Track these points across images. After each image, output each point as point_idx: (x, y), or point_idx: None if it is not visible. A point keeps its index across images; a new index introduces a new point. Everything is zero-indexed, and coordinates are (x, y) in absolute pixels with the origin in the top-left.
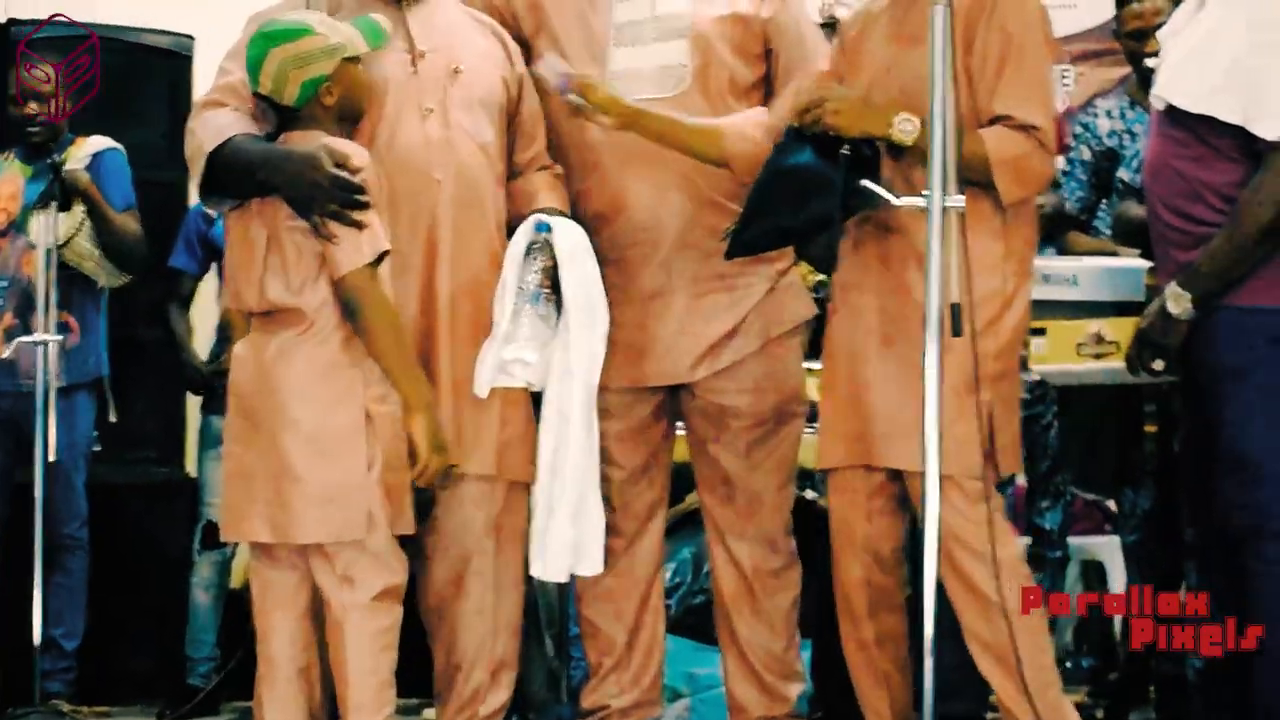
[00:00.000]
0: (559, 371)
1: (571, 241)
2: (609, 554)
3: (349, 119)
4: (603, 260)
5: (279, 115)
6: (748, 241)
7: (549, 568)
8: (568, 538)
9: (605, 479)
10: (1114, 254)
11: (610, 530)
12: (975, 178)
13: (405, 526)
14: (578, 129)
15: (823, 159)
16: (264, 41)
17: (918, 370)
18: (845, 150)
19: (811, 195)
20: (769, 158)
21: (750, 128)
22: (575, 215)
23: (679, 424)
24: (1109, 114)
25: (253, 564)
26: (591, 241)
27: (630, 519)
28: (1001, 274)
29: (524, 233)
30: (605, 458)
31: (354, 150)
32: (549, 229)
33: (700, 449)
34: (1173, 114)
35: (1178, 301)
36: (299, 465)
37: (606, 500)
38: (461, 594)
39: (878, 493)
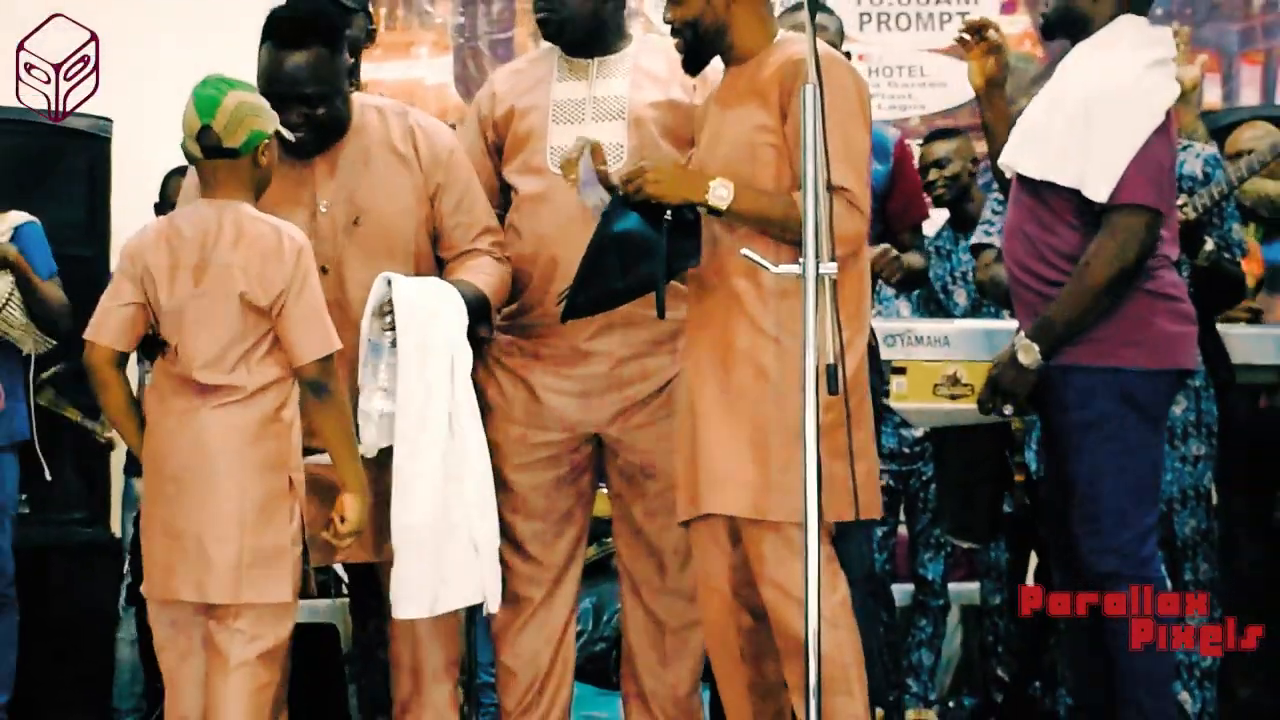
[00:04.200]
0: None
1: (409, 289)
2: (528, 603)
3: (261, 192)
4: (539, 319)
5: (208, 168)
6: (581, 305)
7: (403, 606)
8: (427, 578)
9: (518, 531)
10: None
11: (530, 581)
12: (791, 238)
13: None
14: (526, 202)
15: (647, 224)
16: (221, 84)
17: (742, 417)
18: (667, 216)
19: (638, 260)
20: (599, 224)
21: None
22: (525, 280)
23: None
24: None
25: (155, 619)
26: (534, 303)
27: (550, 569)
28: None
29: (374, 291)
30: (528, 509)
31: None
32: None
33: (620, 505)
34: (1022, 180)
35: (1027, 352)
36: (227, 528)
37: (523, 549)
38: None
39: (732, 541)
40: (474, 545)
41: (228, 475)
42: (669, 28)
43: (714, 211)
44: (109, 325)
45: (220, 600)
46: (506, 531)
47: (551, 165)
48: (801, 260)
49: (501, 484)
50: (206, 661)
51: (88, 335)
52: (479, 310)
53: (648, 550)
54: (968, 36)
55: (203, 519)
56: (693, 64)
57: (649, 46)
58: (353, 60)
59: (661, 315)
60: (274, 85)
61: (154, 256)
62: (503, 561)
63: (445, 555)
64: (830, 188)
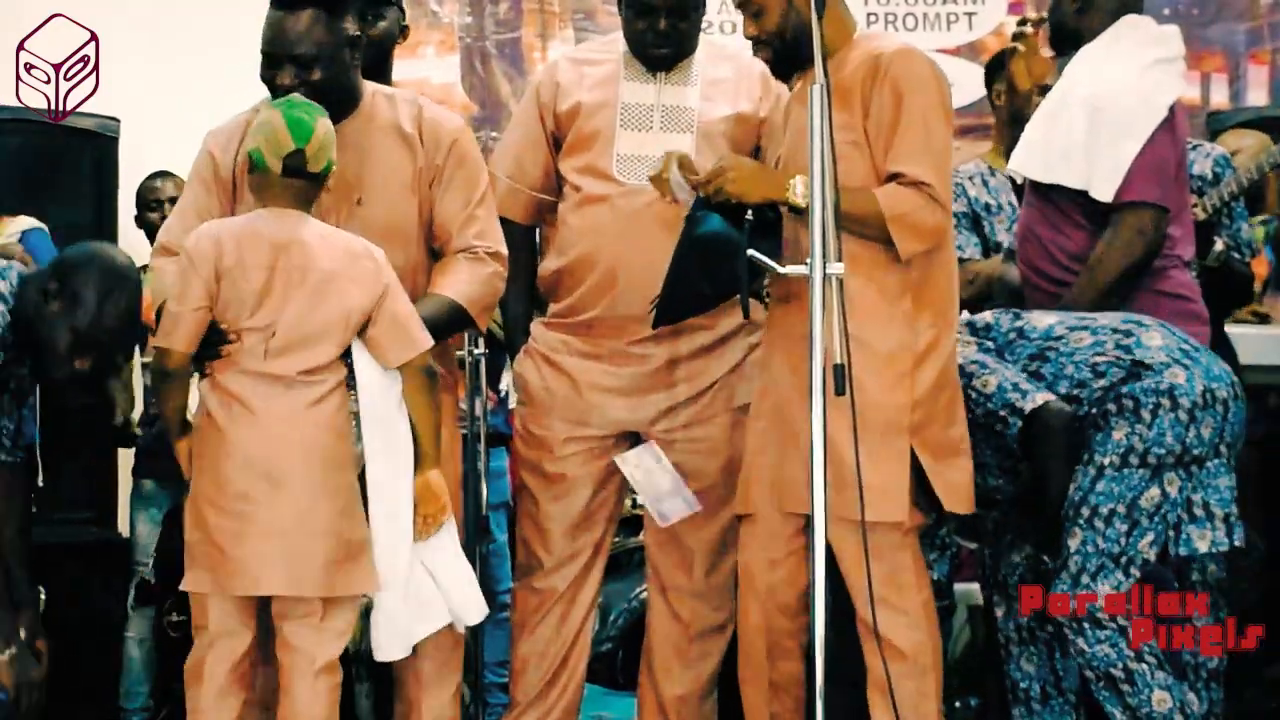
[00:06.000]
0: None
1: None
2: (551, 594)
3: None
4: (592, 321)
5: (278, 183)
6: (670, 312)
7: (385, 650)
8: (401, 622)
9: (551, 523)
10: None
11: (556, 573)
12: (873, 234)
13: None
14: (587, 203)
15: (730, 225)
16: (310, 108)
17: (842, 420)
18: (749, 216)
19: (722, 262)
20: (684, 229)
21: None
22: (580, 279)
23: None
24: (970, 179)
25: (198, 616)
26: (589, 303)
27: (576, 563)
28: (912, 328)
29: None
30: (562, 501)
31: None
32: None
33: None
34: (1032, 184)
35: None
36: (324, 521)
37: (553, 541)
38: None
39: (789, 540)
40: (430, 574)
41: (319, 469)
42: (751, 43)
43: (795, 210)
44: (184, 331)
45: (313, 594)
46: (538, 523)
47: (617, 171)
48: (809, 261)
49: (540, 475)
50: (278, 663)
51: (163, 343)
52: (452, 323)
53: (678, 550)
54: (1028, 30)
55: (296, 512)
56: (784, 72)
57: (716, 53)
58: (378, 56)
59: (746, 316)
60: (269, 46)
61: (231, 259)
62: (531, 552)
63: (412, 591)
64: (832, 181)
